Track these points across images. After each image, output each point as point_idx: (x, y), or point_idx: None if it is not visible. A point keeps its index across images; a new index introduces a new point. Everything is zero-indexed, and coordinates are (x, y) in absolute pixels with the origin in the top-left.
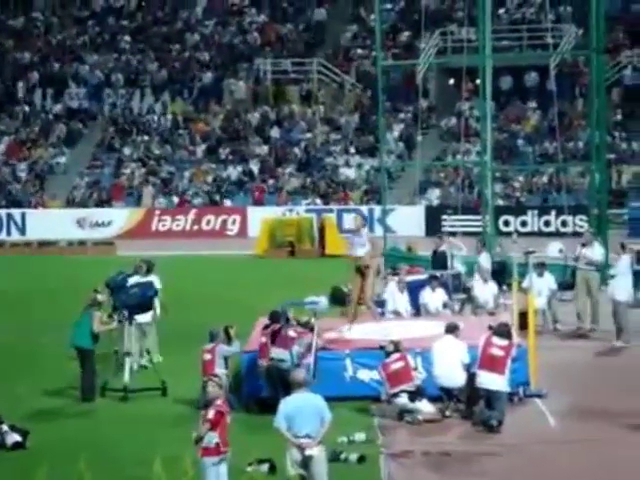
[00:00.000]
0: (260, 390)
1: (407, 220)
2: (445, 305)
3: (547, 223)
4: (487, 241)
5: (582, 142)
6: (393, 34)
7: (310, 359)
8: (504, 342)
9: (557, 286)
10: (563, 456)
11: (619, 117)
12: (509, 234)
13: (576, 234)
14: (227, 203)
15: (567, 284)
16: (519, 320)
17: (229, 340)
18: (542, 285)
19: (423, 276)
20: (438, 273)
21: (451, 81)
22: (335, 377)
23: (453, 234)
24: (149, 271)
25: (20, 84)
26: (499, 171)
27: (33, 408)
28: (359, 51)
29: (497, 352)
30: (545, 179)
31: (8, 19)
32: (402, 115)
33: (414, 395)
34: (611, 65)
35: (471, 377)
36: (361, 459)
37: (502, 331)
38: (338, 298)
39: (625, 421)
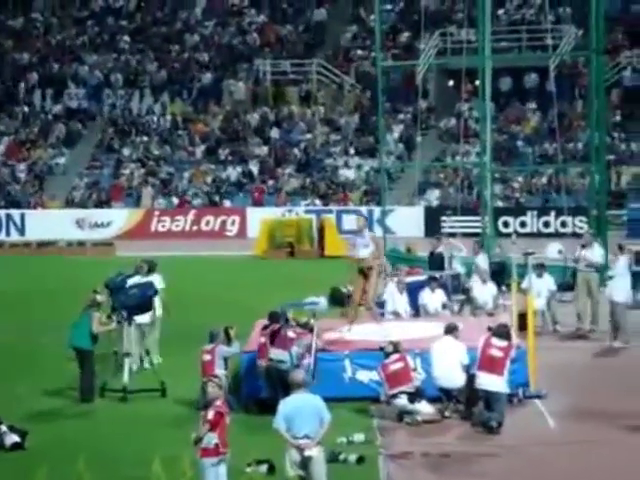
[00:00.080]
0: (259, 391)
1: (406, 221)
2: (444, 306)
3: (546, 224)
4: (484, 242)
5: (581, 143)
6: (393, 35)
7: (309, 360)
8: (503, 343)
9: (557, 287)
10: (562, 457)
11: (618, 118)
12: (508, 235)
13: (575, 235)
14: (226, 204)
15: (567, 285)
16: (518, 321)
17: (229, 341)
18: (541, 286)
19: (422, 277)
20: (437, 274)
21: (451, 82)
22: (334, 378)
23: (452, 235)
24: (151, 271)
25: (20, 84)
26: (498, 172)
27: (32, 408)
28: (359, 52)
29: (496, 353)
30: (544, 180)
31: (7, 19)
32: (402, 116)
33: (413, 396)
34: (611, 66)
35: (470, 378)
36: (360, 460)
37: (501, 332)
38: (337, 299)
39: (624, 422)
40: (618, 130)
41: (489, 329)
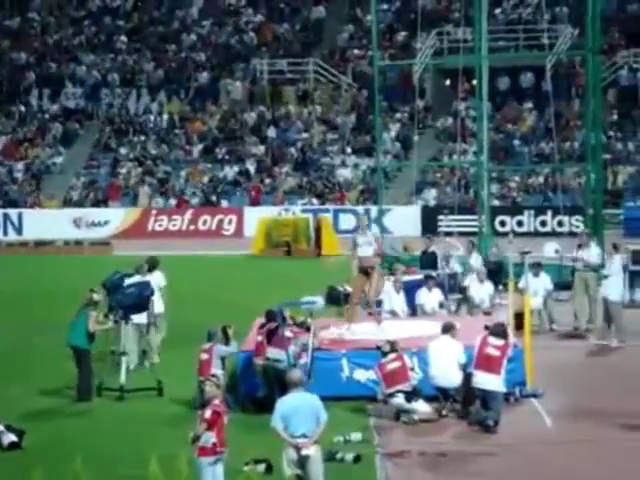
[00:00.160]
0: (256, 390)
1: (403, 220)
2: (441, 305)
3: (543, 223)
4: (478, 242)
5: (578, 142)
6: (389, 34)
7: (306, 359)
8: (500, 342)
9: (554, 286)
10: (559, 456)
11: (615, 117)
12: (505, 234)
13: (572, 234)
14: (223, 203)
15: (565, 284)
16: (515, 320)
17: (227, 340)
18: (538, 285)
19: (419, 276)
20: (434, 273)
21: (447, 81)
22: (331, 377)
23: (449, 234)
24: (153, 268)
25: (17, 84)
26: (495, 171)
27: (29, 408)
28: (355, 51)
29: (493, 352)
30: (541, 179)
31: (4, 19)
32: (398, 115)
33: (410, 395)
34: (607, 66)
35: (467, 377)
36: (357, 459)
37: (498, 331)
38: (334, 298)
39: (621, 421)
40: (614, 129)
41: (486, 328)
